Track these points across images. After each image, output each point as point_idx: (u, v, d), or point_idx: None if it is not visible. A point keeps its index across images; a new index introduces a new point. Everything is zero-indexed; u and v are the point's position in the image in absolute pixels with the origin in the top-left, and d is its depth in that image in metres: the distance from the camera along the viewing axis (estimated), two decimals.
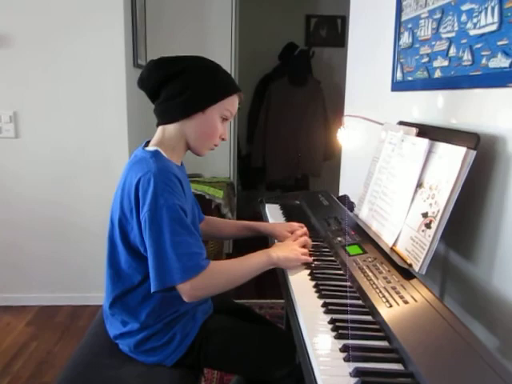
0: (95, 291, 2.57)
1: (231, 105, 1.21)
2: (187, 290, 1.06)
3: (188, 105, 1.17)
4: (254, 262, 1.16)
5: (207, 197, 2.87)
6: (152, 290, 1.06)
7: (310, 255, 1.23)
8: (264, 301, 2.73)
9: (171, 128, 1.20)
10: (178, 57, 1.19)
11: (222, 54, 3.22)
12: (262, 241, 1.43)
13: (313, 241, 1.35)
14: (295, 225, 1.41)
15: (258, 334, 1.31)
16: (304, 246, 1.26)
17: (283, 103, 4.03)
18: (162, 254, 1.05)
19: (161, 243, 1.05)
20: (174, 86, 1.16)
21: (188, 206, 1.16)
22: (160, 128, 1.23)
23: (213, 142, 1.23)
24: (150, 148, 1.18)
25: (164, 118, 1.21)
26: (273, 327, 1.45)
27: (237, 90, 1.23)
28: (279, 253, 1.18)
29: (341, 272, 1.14)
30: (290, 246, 1.22)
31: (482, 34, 0.99)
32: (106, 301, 1.26)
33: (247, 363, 1.27)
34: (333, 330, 0.87)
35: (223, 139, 1.25)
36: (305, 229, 1.38)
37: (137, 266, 1.13)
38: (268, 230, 1.43)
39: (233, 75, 3.25)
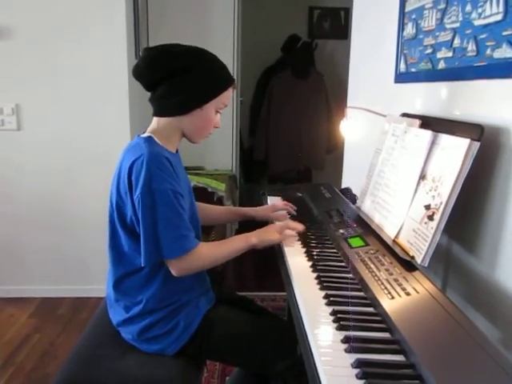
0: (97, 283, 2.57)
1: (226, 98, 1.27)
2: (174, 266, 1.17)
3: (186, 103, 1.21)
4: (234, 246, 1.27)
5: (209, 189, 2.87)
6: (142, 265, 1.15)
7: (313, 247, 1.24)
8: (266, 293, 2.73)
9: (167, 120, 1.24)
10: (176, 51, 1.21)
11: (225, 46, 3.20)
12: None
13: (315, 233, 1.35)
14: (278, 204, 1.49)
15: (260, 325, 1.32)
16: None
17: (286, 96, 4.01)
18: (152, 234, 1.12)
19: (151, 225, 1.12)
20: (172, 84, 1.20)
21: (183, 188, 1.22)
22: (155, 118, 1.26)
23: (208, 132, 1.30)
24: (144, 135, 1.24)
25: (162, 113, 1.25)
26: (275, 319, 1.46)
27: (232, 82, 1.27)
28: (257, 236, 1.28)
29: (343, 264, 1.14)
30: (268, 230, 1.32)
31: (487, 24, 0.98)
32: (109, 285, 1.28)
33: (249, 355, 1.27)
34: (334, 321, 0.87)
35: (216, 127, 1.31)
36: (287, 204, 1.49)
37: (136, 247, 1.17)
38: (252, 213, 1.52)
39: (235, 67, 3.25)
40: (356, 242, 1.20)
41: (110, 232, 1.24)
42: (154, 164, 1.12)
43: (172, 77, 1.19)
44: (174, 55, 1.20)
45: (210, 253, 1.23)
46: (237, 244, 1.27)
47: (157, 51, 1.20)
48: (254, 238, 1.27)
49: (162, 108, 1.24)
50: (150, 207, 1.11)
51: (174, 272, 1.17)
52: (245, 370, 1.49)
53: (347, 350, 0.77)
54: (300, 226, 1.33)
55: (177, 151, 1.31)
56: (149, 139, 1.20)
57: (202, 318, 1.25)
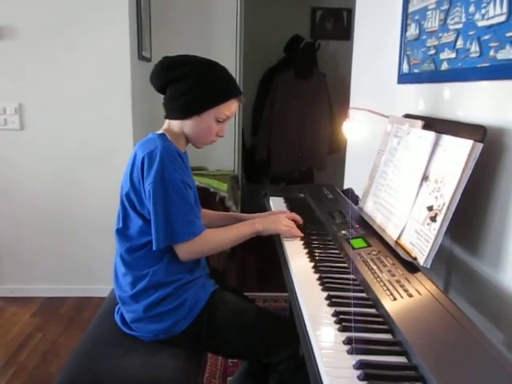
0: (99, 283, 2.58)
1: (227, 109, 1.33)
2: (182, 250, 1.25)
3: (185, 108, 1.31)
4: (240, 232, 1.34)
5: (211, 190, 2.87)
6: (154, 248, 1.23)
7: (315, 248, 1.24)
8: (268, 294, 2.73)
9: (175, 123, 1.35)
10: (183, 60, 1.31)
11: (227, 46, 3.20)
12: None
13: (317, 234, 1.35)
14: (277, 212, 1.53)
15: (263, 314, 1.38)
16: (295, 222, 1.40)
17: (288, 96, 4.01)
18: (163, 219, 1.21)
19: (163, 211, 1.21)
20: (175, 88, 1.30)
21: (191, 181, 1.32)
22: (166, 120, 1.38)
23: (208, 139, 1.37)
24: (158, 132, 1.35)
25: (167, 115, 1.36)
26: (277, 312, 1.49)
27: (235, 95, 1.34)
28: (263, 223, 1.36)
29: (345, 265, 1.14)
30: (274, 218, 1.39)
31: (491, 26, 0.98)
32: (117, 260, 1.33)
33: (250, 340, 1.30)
34: (336, 322, 0.86)
35: (220, 136, 1.38)
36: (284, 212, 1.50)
37: (145, 228, 1.25)
38: (251, 219, 1.52)
39: (237, 67, 3.25)
40: (358, 242, 1.20)
41: (122, 215, 1.31)
42: (166, 156, 1.22)
43: (176, 83, 1.29)
44: (180, 64, 1.29)
45: (216, 237, 1.31)
46: (242, 229, 1.34)
47: (169, 59, 1.31)
48: (259, 225, 1.34)
49: (167, 110, 1.35)
50: (162, 195, 1.20)
51: (180, 255, 1.25)
52: (245, 359, 1.52)
53: (349, 352, 0.77)
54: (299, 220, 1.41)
55: (185, 152, 1.38)
56: (162, 135, 1.31)
57: (208, 298, 1.29)
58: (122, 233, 1.31)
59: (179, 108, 1.30)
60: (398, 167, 1.25)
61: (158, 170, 1.20)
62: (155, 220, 1.21)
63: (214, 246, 1.32)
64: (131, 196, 1.27)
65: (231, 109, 1.34)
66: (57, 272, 2.71)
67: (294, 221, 1.41)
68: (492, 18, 0.97)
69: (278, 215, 1.42)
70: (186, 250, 1.25)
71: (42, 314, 2.52)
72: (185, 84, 1.28)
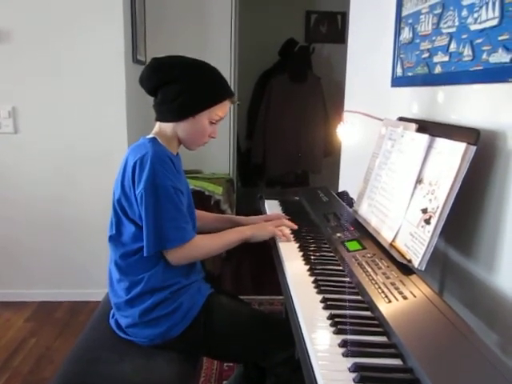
0: (95, 287, 2.56)
1: (221, 110, 1.33)
2: (173, 255, 1.25)
3: (180, 110, 1.29)
4: (229, 238, 1.35)
5: (206, 193, 2.86)
6: (145, 254, 1.23)
7: (310, 251, 1.24)
8: (263, 297, 2.73)
9: (166, 125, 1.33)
10: (175, 61, 1.30)
11: (222, 50, 3.20)
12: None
13: (312, 237, 1.35)
14: (272, 215, 1.56)
15: (259, 317, 1.39)
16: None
17: (283, 99, 4.02)
18: (153, 226, 1.21)
19: (154, 217, 1.21)
20: (168, 90, 1.29)
21: (183, 187, 1.30)
22: (157, 123, 1.35)
23: (202, 141, 1.37)
24: (149, 136, 1.33)
25: (160, 118, 1.34)
26: (273, 315, 1.49)
27: (228, 96, 1.34)
28: (252, 230, 1.37)
29: (340, 268, 1.14)
30: (263, 226, 1.40)
31: (483, 29, 0.98)
32: (111, 266, 1.32)
33: (248, 342, 1.31)
34: (332, 325, 0.86)
35: (213, 137, 1.37)
36: (282, 217, 1.51)
37: (138, 234, 1.25)
38: (244, 222, 1.54)
39: (232, 71, 3.25)
40: (353, 245, 1.20)
41: (114, 221, 1.30)
42: (157, 162, 1.21)
43: (168, 85, 1.28)
44: (171, 66, 1.29)
45: (205, 243, 1.31)
46: (231, 236, 1.35)
47: (159, 60, 1.29)
48: (248, 232, 1.36)
49: (159, 113, 1.33)
50: (153, 201, 1.20)
51: (171, 260, 1.25)
52: (241, 362, 1.52)
53: (344, 354, 0.77)
54: (294, 226, 1.40)
55: (177, 154, 1.37)
56: (153, 140, 1.30)
57: (204, 302, 1.29)
58: (116, 239, 1.30)
59: (173, 110, 1.29)
60: (393, 170, 1.26)
61: (149, 176, 1.19)
62: (146, 226, 1.21)
63: (204, 251, 1.32)
64: (122, 202, 1.26)
65: (224, 110, 1.34)
66: (52, 276, 2.69)
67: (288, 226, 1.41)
68: (484, 21, 0.98)
69: (267, 223, 1.42)
70: (176, 256, 1.25)
71: (36, 319, 2.50)
72: (178, 86, 1.27)
